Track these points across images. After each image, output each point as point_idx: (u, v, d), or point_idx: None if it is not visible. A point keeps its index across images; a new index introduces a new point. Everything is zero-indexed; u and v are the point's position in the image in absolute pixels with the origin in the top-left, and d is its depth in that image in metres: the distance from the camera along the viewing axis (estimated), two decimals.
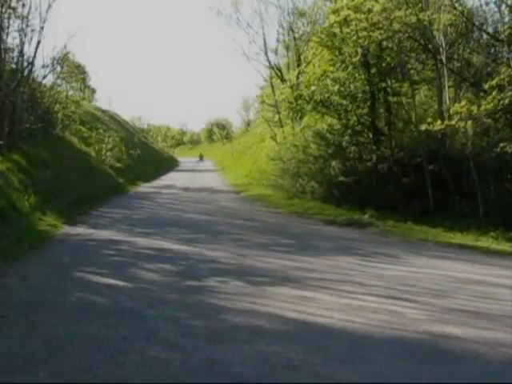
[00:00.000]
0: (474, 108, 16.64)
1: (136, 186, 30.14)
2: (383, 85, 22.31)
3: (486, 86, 18.09)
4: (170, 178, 37.13)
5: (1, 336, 5.40)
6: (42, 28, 23.26)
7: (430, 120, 17.66)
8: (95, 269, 8.91)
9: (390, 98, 22.77)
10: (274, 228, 15.99)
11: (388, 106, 22.86)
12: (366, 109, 21.96)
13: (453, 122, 17.18)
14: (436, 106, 23.07)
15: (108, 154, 30.85)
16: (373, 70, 21.97)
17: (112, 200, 23.08)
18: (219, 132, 76.41)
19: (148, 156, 44.53)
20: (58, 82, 31.32)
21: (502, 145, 17.75)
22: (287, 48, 31.17)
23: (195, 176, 39.99)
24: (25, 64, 23.10)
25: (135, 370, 4.48)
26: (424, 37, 21.45)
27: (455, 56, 22.60)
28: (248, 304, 6.72)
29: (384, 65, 22.17)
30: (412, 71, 23.98)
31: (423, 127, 17.73)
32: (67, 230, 14.42)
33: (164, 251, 11.22)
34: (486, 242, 15.67)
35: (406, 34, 19.85)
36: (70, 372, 4.43)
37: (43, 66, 26.80)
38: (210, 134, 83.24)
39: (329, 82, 21.58)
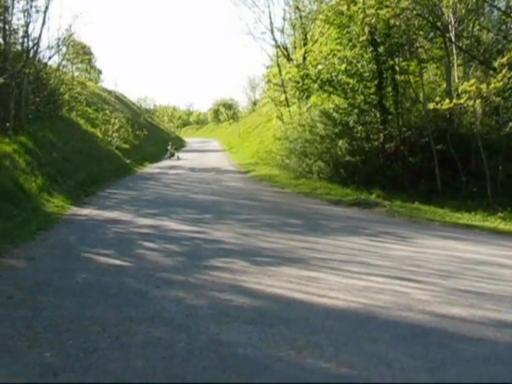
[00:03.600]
0: (483, 87, 16.43)
1: (143, 167, 30.15)
2: (391, 63, 22.10)
3: (496, 64, 17.90)
4: (176, 159, 37.13)
5: (8, 317, 5.42)
6: (46, 8, 23.16)
7: (437, 99, 17.47)
8: (102, 249, 8.95)
9: (397, 76, 22.57)
10: (281, 208, 15.96)
11: (395, 85, 22.66)
12: (373, 88, 21.74)
13: (461, 101, 16.97)
14: (444, 85, 22.88)
15: (114, 134, 30.79)
16: (380, 49, 21.73)
17: (119, 181, 23.14)
18: (225, 112, 75.98)
19: (155, 136, 44.46)
20: (64, 63, 31.33)
21: (511, 124, 17.54)
22: (293, 27, 30.80)
23: (202, 156, 39.91)
24: (30, 45, 23.01)
25: (140, 351, 4.49)
26: (433, 14, 21.19)
27: (464, 33, 22.33)
28: (253, 285, 6.72)
29: (392, 43, 21.92)
30: (420, 49, 23.78)
31: (431, 106, 17.54)
32: (74, 211, 14.50)
33: (169, 231, 11.27)
34: (493, 222, 15.64)
35: (414, 12, 19.57)
36: (74, 352, 4.44)
37: (48, 47, 26.78)
38: (216, 114, 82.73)
39: (336, 60, 21.38)
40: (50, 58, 26.53)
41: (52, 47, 26.97)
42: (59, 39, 27.46)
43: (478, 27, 22.08)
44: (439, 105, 16.94)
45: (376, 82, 21.69)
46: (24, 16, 22.54)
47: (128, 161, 29.04)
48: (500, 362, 4.51)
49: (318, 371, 4.15)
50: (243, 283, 6.78)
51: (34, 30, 23.34)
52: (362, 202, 17.60)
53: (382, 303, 5.99)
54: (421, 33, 23.00)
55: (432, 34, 23.14)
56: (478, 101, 17.14)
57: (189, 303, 5.85)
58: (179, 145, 48.93)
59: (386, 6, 18.75)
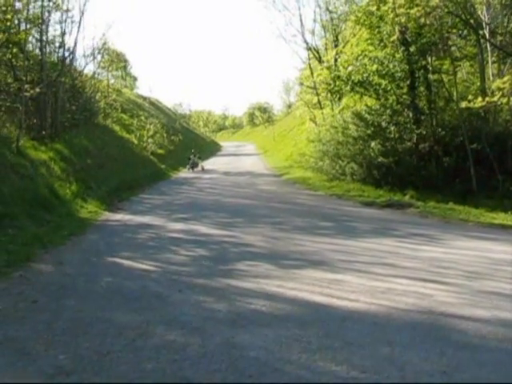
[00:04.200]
0: None
1: (178, 172, 30.46)
2: (423, 63, 21.80)
3: None
4: (212, 163, 37.34)
5: (30, 320, 5.55)
6: (80, 19, 23.75)
7: (470, 97, 17.18)
8: (129, 254, 9.07)
9: (430, 75, 22.26)
10: (313, 210, 15.89)
11: (428, 85, 22.34)
12: (405, 88, 21.51)
13: (495, 99, 16.65)
14: (479, 83, 22.48)
15: (149, 140, 31.21)
16: (412, 48, 21.47)
17: (153, 186, 23.40)
18: (260, 115, 75.99)
19: (190, 141, 44.83)
20: (99, 71, 31.90)
21: None
22: (324, 28, 30.75)
23: (237, 160, 40.06)
24: (65, 55, 23.55)
25: (153, 354, 4.52)
26: (465, 11, 20.84)
27: (499, 30, 21.90)
28: (275, 288, 6.71)
29: (423, 42, 21.63)
30: (453, 48, 23.43)
31: (463, 105, 17.28)
32: (107, 216, 14.71)
33: (198, 235, 11.34)
34: None
35: (446, 10, 19.29)
36: (88, 355, 4.51)
37: (84, 56, 27.40)
38: (251, 117, 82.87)
39: (367, 61, 21.21)
40: (84, 67, 27.02)
41: (87, 56, 27.64)
42: (94, 48, 28.10)
43: None
44: (472, 103, 16.63)
45: (408, 81, 21.45)
46: (60, 27, 23.22)
47: (163, 166, 29.37)
48: None
49: (326, 374, 4.12)
50: (265, 286, 6.77)
51: (69, 40, 23.90)
52: (394, 203, 17.41)
53: (403, 305, 5.91)
54: (454, 30, 22.65)
55: (466, 32, 22.76)
56: None
57: (207, 307, 5.88)
58: (213, 149, 48.99)
59: (417, 5, 18.55)
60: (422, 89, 22.28)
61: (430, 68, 22.36)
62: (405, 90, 21.62)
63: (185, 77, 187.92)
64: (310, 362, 4.32)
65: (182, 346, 4.70)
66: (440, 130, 21.72)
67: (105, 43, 28.65)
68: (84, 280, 7.24)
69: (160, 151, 32.31)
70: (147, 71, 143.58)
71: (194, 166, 31.73)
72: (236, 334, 4.96)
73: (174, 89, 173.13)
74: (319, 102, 29.82)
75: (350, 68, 20.94)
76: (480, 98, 16.58)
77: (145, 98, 46.30)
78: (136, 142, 30.23)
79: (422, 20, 20.43)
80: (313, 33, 31.69)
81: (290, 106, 71.38)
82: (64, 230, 11.66)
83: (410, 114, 21.76)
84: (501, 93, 16.32)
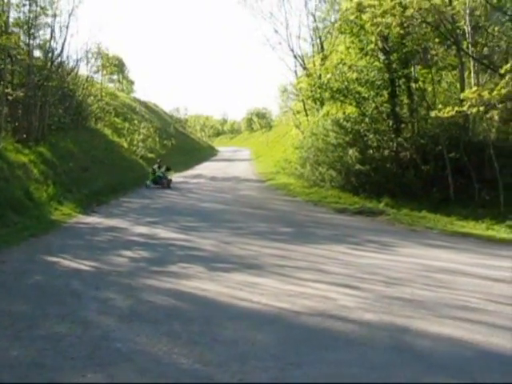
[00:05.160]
0: (485, 93, 16.26)
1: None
2: (405, 71, 21.99)
3: (502, 71, 17.68)
4: (203, 168, 37.62)
5: None
6: (68, 23, 24.20)
7: (440, 107, 17.39)
8: (74, 254, 9.35)
9: (412, 84, 22.48)
10: (281, 216, 16.13)
11: (410, 93, 22.56)
12: (385, 96, 21.73)
13: (464, 108, 16.82)
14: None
15: (140, 144, 31.51)
16: (393, 57, 21.70)
17: (137, 190, 23.66)
18: (258, 121, 76.19)
19: (185, 146, 45.12)
20: (92, 74, 32.36)
21: None
22: (312, 37, 31.07)
23: (228, 165, 40.27)
24: (53, 58, 23.95)
25: (28, 343, 4.83)
26: (445, 21, 21.04)
27: (481, 40, 22.08)
28: (189, 289, 7.01)
29: (405, 51, 21.85)
30: (436, 57, 23.61)
31: (433, 114, 17.47)
32: (79, 219, 14.99)
33: (154, 239, 11.63)
34: (497, 231, 15.42)
35: (422, 20, 19.50)
36: None
37: (77, 60, 27.84)
38: (249, 123, 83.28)
39: (346, 69, 21.47)
40: (74, 71, 27.31)
41: (80, 60, 28.09)
42: (87, 51, 28.59)
43: (494, 34, 21.81)
44: (442, 113, 16.83)
45: (389, 90, 21.67)
46: (50, 32, 23.67)
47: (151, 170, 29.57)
48: (361, 366, 4.62)
49: (170, 365, 4.44)
50: (181, 287, 7.06)
51: (56, 45, 24.28)
52: (366, 210, 17.61)
53: (298, 308, 6.14)
54: (436, 40, 22.85)
55: (449, 42, 22.95)
56: (481, 108, 16.90)
57: (111, 303, 6.17)
58: (208, 154, 48.83)
59: (392, 15, 18.77)
60: (403, 97, 22.49)
61: (413, 77, 22.58)
62: (385, 99, 21.83)
63: (185, 82, 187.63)
64: (162, 354, 4.59)
65: (61, 337, 4.99)
66: (420, 138, 21.90)
67: (98, 47, 28.94)
68: (15, 277, 7.55)
69: (151, 155, 32.56)
70: (147, 76, 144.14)
71: (158, 181, 24.97)
72: (118, 329, 5.24)
73: (173, 94, 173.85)
74: (305, 108, 30.11)
75: (328, 76, 21.16)
76: (449, 108, 16.75)
77: (141, 102, 46.69)
78: (126, 145, 30.55)
79: (401, 30, 20.70)
80: (299, 38, 31.92)
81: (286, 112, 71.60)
82: (27, 231, 11.95)
83: (390, 123, 21.95)
84: (469, 103, 16.48)
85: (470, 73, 21.76)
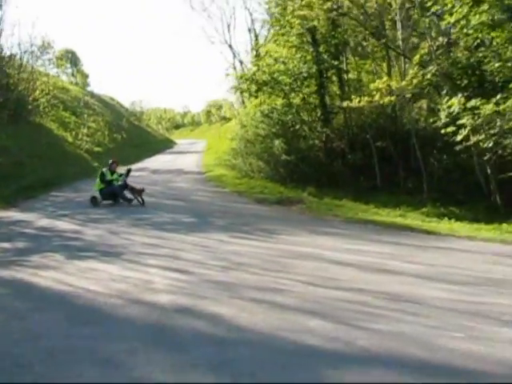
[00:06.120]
0: (393, 84, 16.70)
1: None
2: (335, 63, 22.37)
3: (414, 61, 18.14)
4: (153, 161, 37.61)
5: None
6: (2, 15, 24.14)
7: (353, 97, 17.78)
8: None
9: (342, 75, 22.90)
10: (195, 207, 16.34)
11: (341, 84, 22.98)
12: (314, 87, 22.09)
13: (376, 98, 17.25)
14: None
15: (86, 138, 31.48)
16: (321, 49, 22.05)
17: (73, 184, 23.57)
18: (216, 113, 76.07)
19: (137, 139, 44.99)
20: (38, 67, 32.17)
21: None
22: (249, 30, 31.32)
23: (178, 158, 40.30)
24: None
25: None
26: (369, 16, 21.45)
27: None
28: (28, 275, 7.32)
29: (335, 43, 22.24)
30: (366, 49, 24.02)
31: (345, 104, 17.88)
32: None
33: (47, 231, 11.83)
34: (407, 217, 15.93)
35: (339, 12, 19.83)
36: None
37: (15, 53, 27.72)
38: (208, 115, 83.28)
39: (272, 61, 21.78)
40: (8, 63, 27.10)
41: (22, 53, 27.98)
42: (32, 44, 28.48)
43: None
44: (353, 102, 17.23)
45: (317, 81, 22.03)
46: None
47: (96, 164, 29.60)
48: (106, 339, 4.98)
49: None
50: (16, 274, 7.38)
51: None
52: (285, 200, 17.93)
53: (108, 291, 6.45)
54: (367, 32, 23.25)
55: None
56: (392, 97, 17.36)
57: None
58: (162, 147, 48.50)
59: (311, 8, 19.10)
60: (332, 88, 22.89)
61: (344, 67, 22.99)
62: (314, 89, 22.19)
63: (147, 75, 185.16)
64: None
65: None
66: (348, 128, 22.36)
67: (43, 40, 28.84)
68: None
69: (97, 149, 32.52)
70: (107, 70, 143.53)
71: (115, 191, 16.62)
72: None
73: (134, 87, 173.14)
74: (243, 101, 30.40)
75: (254, 68, 21.48)
76: (358, 98, 17.16)
77: (94, 96, 46.50)
78: (71, 140, 30.51)
79: (326, 22, 21.08)
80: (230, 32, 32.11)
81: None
82: None
83: (319, 113, 22.35)
84: (379, 92, 16.89)
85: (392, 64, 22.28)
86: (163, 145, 48.66)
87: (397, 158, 21.23)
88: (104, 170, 17.16)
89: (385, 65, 24.91)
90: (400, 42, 21.00)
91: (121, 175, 17.08)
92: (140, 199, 16.32)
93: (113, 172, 17.08)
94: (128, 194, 16.67)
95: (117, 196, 16.61)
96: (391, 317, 5.59)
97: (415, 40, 23.09)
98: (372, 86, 17.45)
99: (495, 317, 5.70)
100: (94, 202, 16.15)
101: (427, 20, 18.76)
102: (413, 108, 22.26)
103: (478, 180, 19.04)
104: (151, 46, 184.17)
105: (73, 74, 48.35)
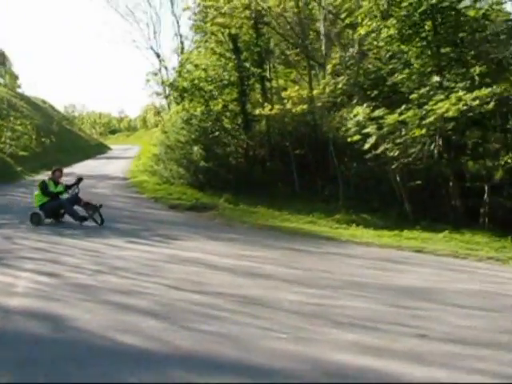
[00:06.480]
0: (304, 92, 17.00)
1: (37, 175, 30.01)
2: (257, 70, 22.58)
3: (328, 71, 18.52)
4: (81, 166, 36.68)
5: None
6: None
7: (266, 105, 18.02)
8: None
9: (265, 83, 23.13)
10: (105, 213, 15.78)
11: (264, 92, 23.20)
12: (235, 94, 22.25)
13: (288, 106, 17.51)
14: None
15: (9, 142, 30.72)
16: (244, 56, 22.23)
17: None
18: (154, 118, 75.12)
19: (68, 144, 44.03)
20: None
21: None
22: (176, 35, 31.38)
23: (108, 163, 39.64)
24: None
25: None
26: (291, 26, 21.80)
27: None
28: None
29: (257, 51, 22.44)
30: (289, 58, 24.40)
31: (257, 111, 18.11)
32: None
33: None
34: (319, 224, 16.18)
35: (260, 21, 20.11)
36: None
37: None
38: (144, 120, 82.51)
39: (192, 68, 21.84)
40: None
41: None
42: None
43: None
44: (264, 110, 17.45)
45: (238, 88, 22.19)
46: None
47: (19, 168, 28.94)
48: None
49: None
50: None
51: None
52: (199, 206, 17.97)
53: None
54: (291, 40, 23.61)
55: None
56: (304, 106, 17.65)
57: None
58: (94, 152, 47.46)
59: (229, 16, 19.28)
60: (255, 95, 23.10)
61: (267, 75, 23.23)
62: (235, 96, 22.34)
63: (82, 78, 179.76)
64: None
65: None
66: (270, 135, 22.60)
67: None
68: None
69: (22, 153, 31.75)
70: (40, 73, 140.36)
71: (63, 205, 13.52)
72: None
73: (70, 90, 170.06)
74: (169, 106, 30.39)
75: (174, 74, 21.54)
76: (269, 106, 17.40)
77: (23, 98, 45.37)
78: None
79: (248, 30, 21.30)
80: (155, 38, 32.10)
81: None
82: None
83: (240, 120, 22.51)
84: (290, 100, 17.16)
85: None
86: (96, 150, 47.87)
87: (315, 166, 21.56)
88: (46, 179, 14.25)
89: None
90: (324, 52, 21.41)
91: (67, 186, 13.98)
92: (97, 218, 13.15)
93: (56, 183, 13.96)
94: (80, 211, 13.44)
95: (63, 213, 13.69)
96: (229, 319, 5.65)
97: (338, 50, 23.57)
98: (283, 94, 17.73)
99: (335, 319, 5.82)
100: (34, 219, 13.07)
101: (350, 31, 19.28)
102: (335, 117, 22.65)
103: (393, 188, 19.50)
104: (86, 49, 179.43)
105: (1, 75, 47.03)
